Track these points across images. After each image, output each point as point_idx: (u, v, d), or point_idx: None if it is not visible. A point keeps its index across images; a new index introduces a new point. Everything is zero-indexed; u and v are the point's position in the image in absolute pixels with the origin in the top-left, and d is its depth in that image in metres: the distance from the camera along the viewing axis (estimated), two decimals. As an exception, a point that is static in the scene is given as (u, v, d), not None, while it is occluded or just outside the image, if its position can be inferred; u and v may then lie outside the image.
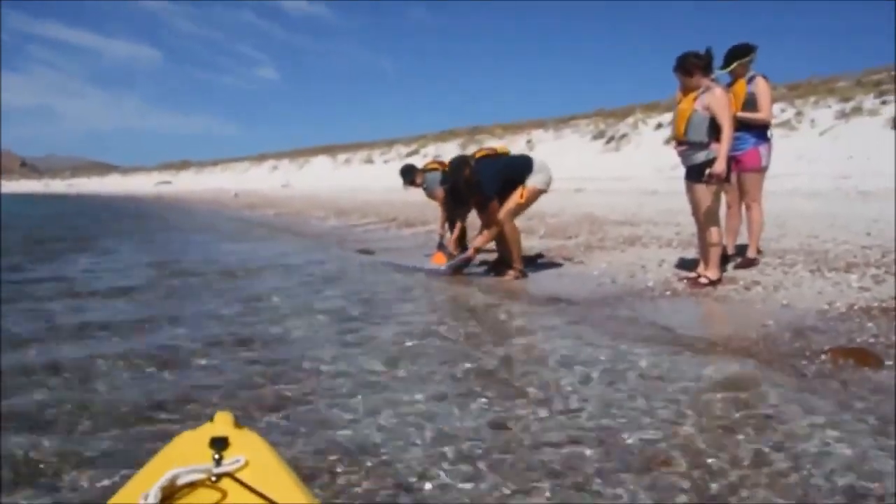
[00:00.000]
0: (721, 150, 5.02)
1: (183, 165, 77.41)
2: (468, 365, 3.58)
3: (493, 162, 6.55)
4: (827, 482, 2.13)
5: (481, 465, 2.34)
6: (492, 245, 6.79)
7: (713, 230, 5.25)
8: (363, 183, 29.91)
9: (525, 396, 3.04)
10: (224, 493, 1.10)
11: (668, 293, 5.25)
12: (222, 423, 1.31)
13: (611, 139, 27.20)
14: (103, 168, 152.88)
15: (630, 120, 27.28)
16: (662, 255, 6.70)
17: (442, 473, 2.28)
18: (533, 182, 6.34)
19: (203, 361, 3.74)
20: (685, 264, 6.08)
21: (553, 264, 6.97)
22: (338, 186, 30.79)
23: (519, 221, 10.43)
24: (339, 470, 2.33)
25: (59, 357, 3.82)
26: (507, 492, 2.15)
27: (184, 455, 1.17)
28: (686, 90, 5.27)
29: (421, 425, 2.71)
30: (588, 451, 2.42)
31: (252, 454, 1.18)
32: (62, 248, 10.66)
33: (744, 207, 5.89)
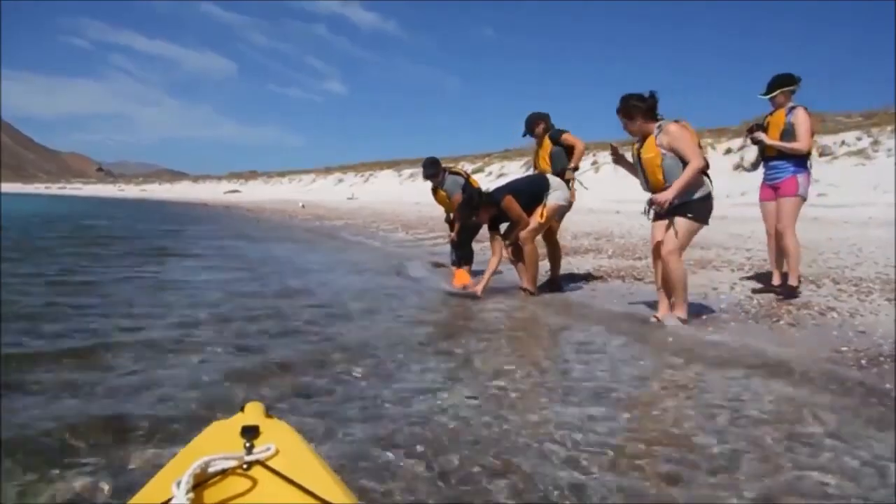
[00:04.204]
0: (679, 181, 4.80)
1: (251, 175, 79.47)
2: (547, 383, 3.76)
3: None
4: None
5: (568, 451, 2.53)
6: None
7: (682, 266, 5.03)
8: (428, 198, 30.27)
9: (607, 404, 3.22)
10: (255, 481, 1.10)
11: (741, 315, 5.32)
12: (253, 413, 1.33)
13: (677, 163, 26.96)
14: (174, 175, 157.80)
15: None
16: (734, 279, 6.76)
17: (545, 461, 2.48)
18: (552, 199, 6.42)
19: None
20: (757, 288, 6.13)
21: (623, 283, 7.06)
22: (403, 201, 31.26)
23: (587, 241, 10.62)
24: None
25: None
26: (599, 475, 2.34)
27: (215, 444, 1.18)
28: (634, 135, 5.12)
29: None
30: (668, 451, 2.59)
31: (282, 443, 1.19)
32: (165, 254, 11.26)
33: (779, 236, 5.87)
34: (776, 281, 6.01)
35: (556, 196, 6.44)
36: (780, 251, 5.96)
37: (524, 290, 6.47)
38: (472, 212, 6.53)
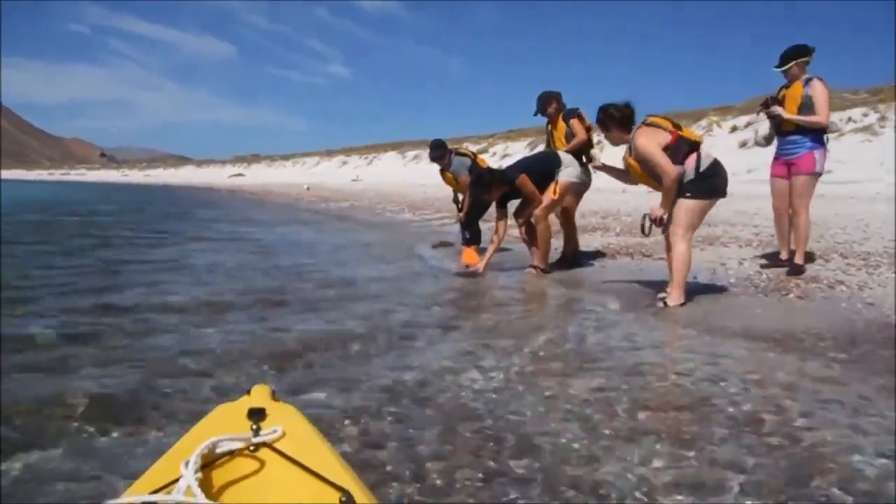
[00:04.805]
0: (662, 199, 4.83)
1: (254, 159, 79.59)
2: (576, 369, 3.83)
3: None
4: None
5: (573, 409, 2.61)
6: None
7: (686, 249, 4.89)
8: (433, 180, 30.31)
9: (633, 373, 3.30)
10: (262, 463, 1.11)
11: (750, 289, 5.38)
12: (259, 396, 1.34)
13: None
14: (177, 159, 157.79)
15: (703, 122, 26.91)
16: (742, 255, 6.81)
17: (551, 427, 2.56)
18: (564, 176, 6.46)
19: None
20: (766, 263, 6.18)
21: (632, 260, 7.13)
22: (407, 182, 31.29)
23: (594, 220, 10.67)
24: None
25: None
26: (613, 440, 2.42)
27: (221, 426, 1.18)
28: (613, 144, 5.18)
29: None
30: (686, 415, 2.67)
31: (289, 425, 1.19)
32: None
33: (791, 213, 5.83)
34: (784, 255, 6.01)
35: (567, 173, 6.48)
36: (787, 227, 5.95)
37: (535, 267, 6.54)
38: (483, 189, 6.57)
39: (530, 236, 6.61)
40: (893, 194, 11.90)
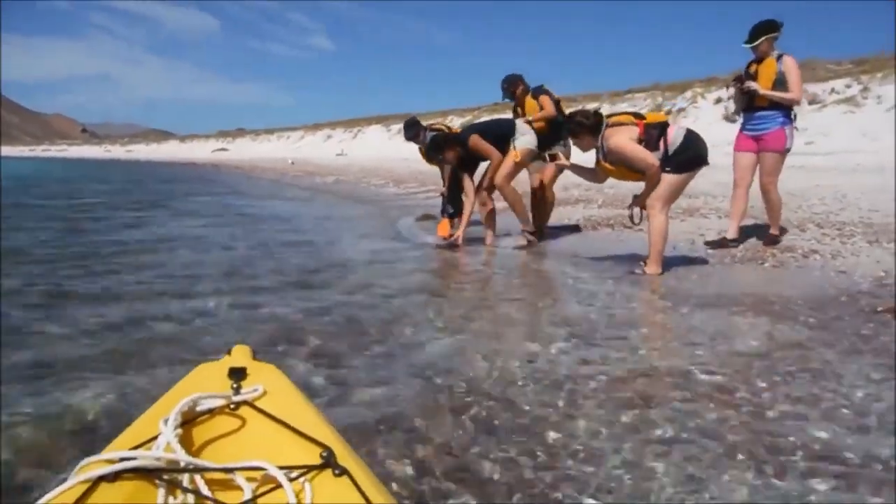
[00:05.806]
0: (646, 186, 4.96)
1: (239, 133, 78.89)
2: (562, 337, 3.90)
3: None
4: (877, 421, 2.38)
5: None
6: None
7: (664, 221, 4.97)
8: (417, 154, 30.18)
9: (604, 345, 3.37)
10: (243, 421, 1.11)
11: (727, 259, 5.47)
12: (240, 355, 1.36)
13: (667, 113, 26.91)
14: (160, 135, 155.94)
15: (688, 94, 26.91)
16: (722, 225, 6.88)
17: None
18: (522, 143, 6.45)
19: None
20: (745, 234, 6.25)
21: (613, 231, 7.21)
22: (392, 157, 31.15)
23: (577, 192, 10.71)
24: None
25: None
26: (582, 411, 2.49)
27: (202, 385, 1.18)
28: (584, 150, 5.20)
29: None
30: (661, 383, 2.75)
31: (270, 384, 1.20)
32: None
33: (761, 191, 5.84)
34: (731, 234, 5.93)
35: (525, 140, 6.48)
36: (744, 204, 5.95)
37: (526, 231, 6.64)
38: (437, 152, 6.65)
39: (492, 216, 6.75)
40: (876, 165, 12.01)
